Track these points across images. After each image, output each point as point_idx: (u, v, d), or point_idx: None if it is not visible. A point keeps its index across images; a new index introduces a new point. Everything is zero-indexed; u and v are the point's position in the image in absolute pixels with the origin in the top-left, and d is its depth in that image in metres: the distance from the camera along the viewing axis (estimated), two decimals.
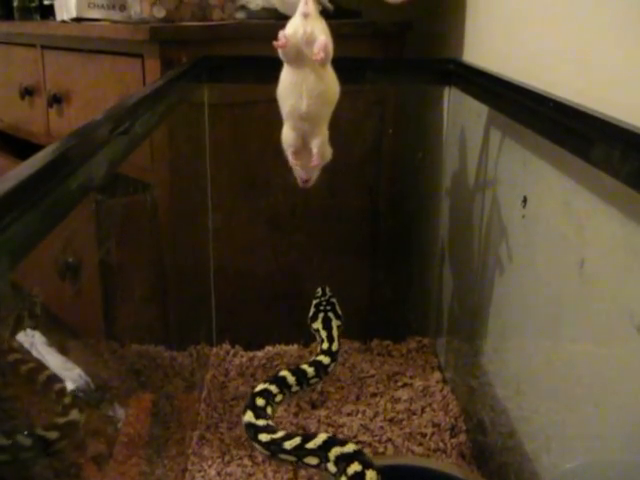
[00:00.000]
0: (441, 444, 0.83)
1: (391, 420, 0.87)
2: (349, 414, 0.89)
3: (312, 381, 0.73)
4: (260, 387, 0.71)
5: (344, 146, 0.98)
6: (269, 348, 1.06)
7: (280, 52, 0.64)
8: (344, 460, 0.60)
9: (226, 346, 1.06)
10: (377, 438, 0.84)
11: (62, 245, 0.68)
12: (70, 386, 0.65)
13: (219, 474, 0.79)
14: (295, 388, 0.72)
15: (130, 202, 0.85)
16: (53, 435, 0.62)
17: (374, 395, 0.93)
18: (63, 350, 0.69)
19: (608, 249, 0.53)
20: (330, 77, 0.66)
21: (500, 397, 0.77)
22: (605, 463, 0.55)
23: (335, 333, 0.76)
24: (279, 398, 0.71)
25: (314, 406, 0.91)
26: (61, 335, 0.75)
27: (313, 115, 0.66)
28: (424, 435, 0.84)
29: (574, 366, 0.59)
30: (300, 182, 0.72)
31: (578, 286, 0.57)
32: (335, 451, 0.61)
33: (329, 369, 0.74)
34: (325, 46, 0.62)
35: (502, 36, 0.84)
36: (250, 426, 0.67)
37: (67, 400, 0.65)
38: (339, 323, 0.77)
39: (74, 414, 0.65)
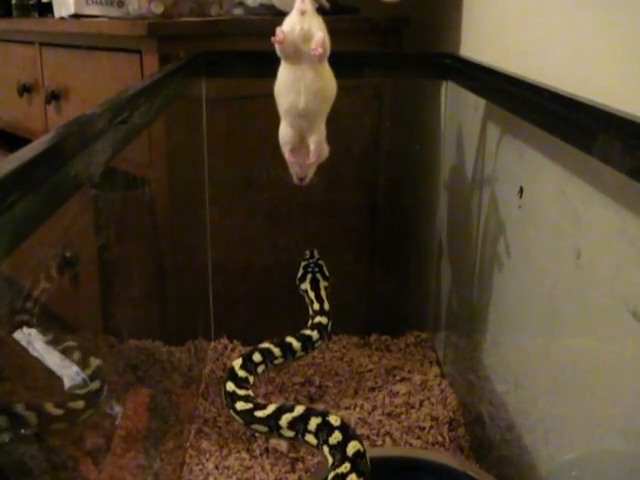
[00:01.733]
0: (439, 437, 0.83)
1: (389, 414, 0.87)
2: (347, 408, 0.89)
3: (317, 344, 0.74)
4: (264, 345, 0.72)
5: (342, 141, 0.99)
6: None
7: (278, 48, 0.64)
8: (300, 422, 0.60)
9: (224, 341, 1.06)
10: (375, 432, 0.84)
11: (59, 239, 0.69)
12: (67, 383, 0.65)
13: (217, 467, 0.79)
14: (300, 353, 0.73)
15: (128, 197, 0.85)
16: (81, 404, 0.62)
17: (372, 389, 0.93)
18: (60, 346, 0.69)
19: (604, 238, 0.53)
20: (327, 74, 0.67)
21: (498, 390, 0.77)
22: (603, 453, 0.55)
23: (323, 293, 0.77)
24: (279, 361, 0.72)
25: (312, 400, 0.91)
26: (58, 331, 0.75)
27: (311, 112, 0.66)
28: (422, 429, 0.85)
29: (572, 358, 0.59)
30: (296, 180, 0.72)
31: (575, 277, 0.57)
32: (286, 417, 0.61)
33: (329, 328, 0.75)
34: (323, 42, 0.63)
35: (498, 30, 0.84)
36: (229, 371, 0.69)
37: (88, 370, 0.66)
38: (326, 284, 0.78)
39: (96, 384, 0.66)
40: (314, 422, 0.60)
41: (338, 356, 1.02)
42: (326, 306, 0.76)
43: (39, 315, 0.63)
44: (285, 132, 0.68)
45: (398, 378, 0.96)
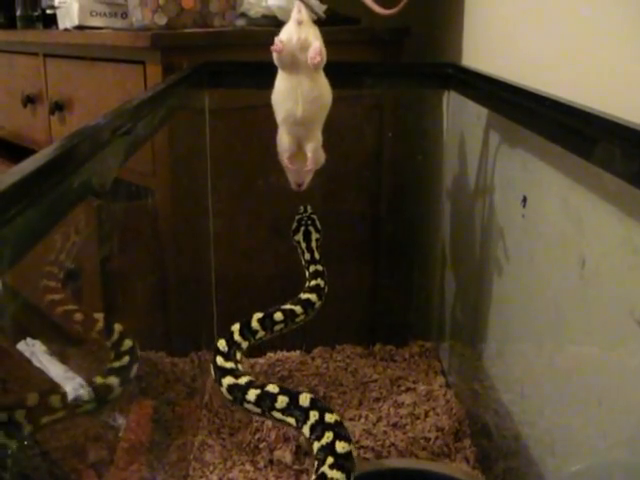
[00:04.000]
0: (445, 448, 0.83)
1: (394, 425, 0.87)
2: (352, 419, 0.88)
3: (325, 291, 0.78)
4: (286, 306, 0.75)
5: (344, 151, 0.99)
6: (270, 354, 1.06)
7: (275, 58, 0.66)
8: (238, 389, 0.64)
9: None
10: (380, 443, 0.83)
11: (62, 250, 0.69)
12: (70, 395, 0.66)
13: None
14: (318, 304, 0.77)
15: (132, 207, 0.85)
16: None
17: (377, 400, 0.93)
18: (63, 357, 0.69)
19: (608, 247, 0.53)
20: (323, 83, 0.69)
21: (504, 400, 0.77)
22: (611, 464, 0.54)
23: (314, 244, 0.82)
24: (301, 318, 0.75)
25: None
26: (61, 342, 0.75)
27: (308, 120, 0.68)
28: (428, 439, 0.84)
29: (577, 367, 0.59)
30: (294, 186, 0.75)
31: (579, 286, 0.57)
32: (227, 380, 0.65)
33: (326, 273, 0.80)
34: (320, 51, 0.65)
35: (499, 40, 0.85)
36: (247, 318, 0.73)
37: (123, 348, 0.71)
38: (318, 236, 0.83)
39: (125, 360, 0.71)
40: (253, 393, 0.62)
41: (342, 366, 1.01)
42: (316, 255, 0.81)
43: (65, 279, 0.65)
44: (283, 140, 0.70)
45: (403, 388, 0.95)
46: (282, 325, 0.74)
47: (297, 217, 0.85)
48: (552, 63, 0.69)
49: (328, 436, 0.56)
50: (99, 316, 0.75)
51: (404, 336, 1.08)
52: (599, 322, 0.54)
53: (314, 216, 0.84)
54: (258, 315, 0.73)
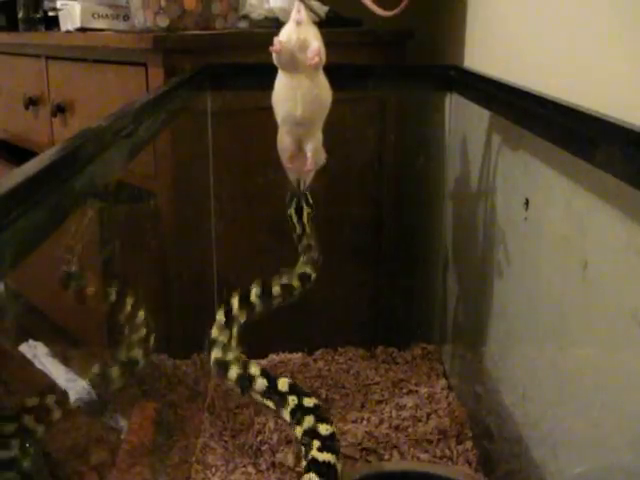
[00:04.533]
0: (447, 451, 0.82)
1: (397, 427, 0.87)
2: (354, 421, 0.88)
3: (319, 263, 0.80)
4: (284, 281, 0.77)
5: (346, 153, 0.99)
6: (273, 356, 1.05)
7: (275, 58, 0.66)
8: (222, 364, 0.66)
9: None
10: (382, 445, 0.83)
11: (64, 252, 0.69)
12: (73, 397, 0.66)
13: None
14: (313, 276, 0.79)
15: (133, 210, 0.86)
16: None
17: (379, 402, 0.92)
18: (65, 360, 0.69)
19: (611, 250, 0.53)
20: (323, 83, 0.69)
21: (506, 403, 0.77)
22: (613, 468, 0.54)
23: (305, 219, 0.83)
24: (298, 291, 0.77)
25: None
26: (64, 344, 0.75)
27: (307, 120, 0.68)
28: (430, 442, 0.84)
29: (580, 369, 0.58)
30: (295, 185, 0.76)
31: (582, 289, 0.57)
32: (215, 353, 0.68)
33: (316, 247, 0.81)
34: (319, 51, 0.64)
35: (502, 42, 0.85)
36: (246, 290, 0.75)
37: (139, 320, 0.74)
38: (310, 210, 0.84)
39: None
40: (234, 371, 0.64)
41: (344, 368, 1.01)
42: (308, 229, 0.82)
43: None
44: (283, 140, 0.71)
45: (405, 391, 0.95)
46: (280, 299, 0.76)
47: (290, 192, 0.86)
48: (554, 65, 0.69)
49: (309, 420, 0.57)
50: (112, 290, 0.77)
51: (406, 339, 1.07)
52: (601, 324, 0.54)
53: (307, 192, 0.86)
54: (257, 291, 0.75)
